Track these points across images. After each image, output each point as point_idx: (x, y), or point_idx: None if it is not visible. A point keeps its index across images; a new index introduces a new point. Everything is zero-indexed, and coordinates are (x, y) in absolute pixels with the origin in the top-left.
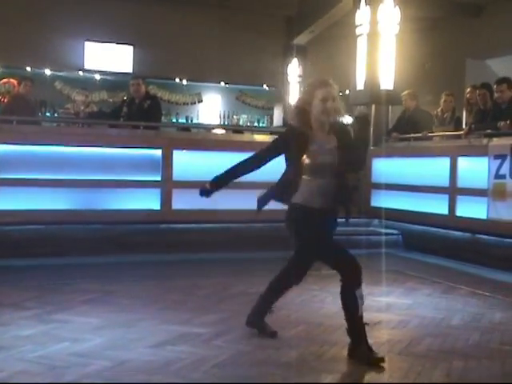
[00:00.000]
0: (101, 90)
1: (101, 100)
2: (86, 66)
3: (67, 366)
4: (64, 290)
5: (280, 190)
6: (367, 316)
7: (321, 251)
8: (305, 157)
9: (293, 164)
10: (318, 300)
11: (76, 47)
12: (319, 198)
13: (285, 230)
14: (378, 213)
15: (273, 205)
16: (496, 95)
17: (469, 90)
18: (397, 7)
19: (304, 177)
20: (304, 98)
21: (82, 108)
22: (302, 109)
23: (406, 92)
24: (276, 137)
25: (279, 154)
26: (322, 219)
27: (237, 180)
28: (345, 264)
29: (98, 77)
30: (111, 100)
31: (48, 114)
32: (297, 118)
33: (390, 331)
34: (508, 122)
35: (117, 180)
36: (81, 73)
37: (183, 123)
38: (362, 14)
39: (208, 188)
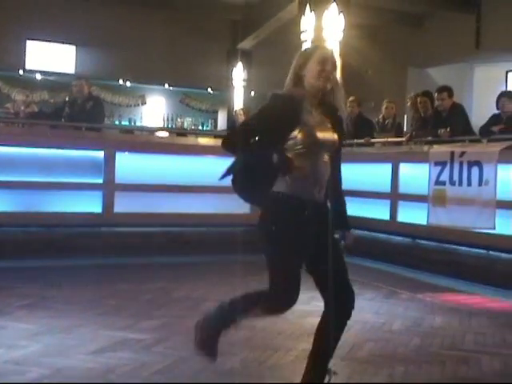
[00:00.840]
0: (42, 90)
1: (42, 100)
2: (28, 66)
3: (3, 374)
4: (1, 295)
5: (249, 174)
6: (309, 321)
7: (308, 264)
8: (297, 131)
9: (278, 139)
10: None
11: (17, 46)
12: (314, 185)
13: (232, 234)
14: None
15: (216, 208)
16: (437, 103)
17: (409, 97)
18: (341, 14)
19: (292, 156)
20: (299, 62)
21: (23, 108)
22: (296, 74)
23: (351, 98)
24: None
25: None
26: (315, 216)
27: (179, 183)
28: (337, 290)
29: (39, 76)
30: (52, 100)
31: None
32: (290, 83)
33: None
34: (448, 129)
35: (57, 182)
36: (21, 72)
37: (126, 125)
38: (307, 20)
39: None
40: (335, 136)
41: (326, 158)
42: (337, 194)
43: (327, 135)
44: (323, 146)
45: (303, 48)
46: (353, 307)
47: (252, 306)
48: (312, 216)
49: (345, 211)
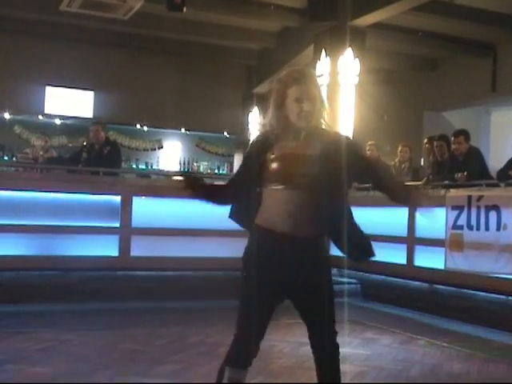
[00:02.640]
0: (60, 134)
1: (60, 145)
2: (46, 111)
3: None
4: (17, 339)
5: (236, 206)
6: None
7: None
8: (270, 161)
9: (250, 171)
10: (277, 350)
11: (36, 92)
12: (287, 218)
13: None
14: (336, 262)
15: (232, 252)
16: (453, 147)
17: (426, 141)
18: (356, 59)
19: (268, 188)
20: (275, 99)
21: (41, 153)
22: (277, 107)
23: (371, 142)
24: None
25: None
26: (285, 249)
27: (195, 228)
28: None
29: (57, 121)
30: (71, 145)
31: (6, 159)
32: (272, 118)
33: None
34: (465, 173)
35: (74, 226)
36: (41, 117)
37: (143, 169)
38: (322, 65)
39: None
40: (318, 170)
41: (310, 190)
42: (346, 226)
43: (302, 167)
44: (298, 176)
45: (280, 76)
46: (336, 354)
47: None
48: (288, 251)
49: (358, 242)
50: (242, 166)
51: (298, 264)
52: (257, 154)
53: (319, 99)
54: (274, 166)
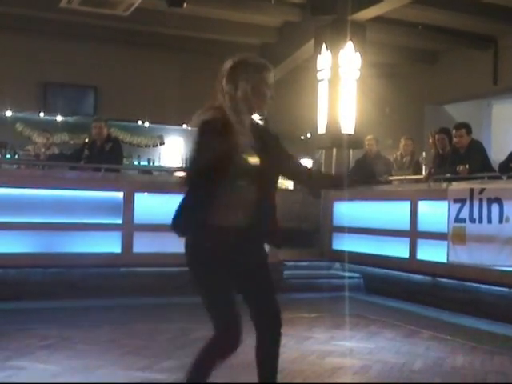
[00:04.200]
0: (62, 131)
1: (62, 142)
2: (48, 108)
3: None
4: (22, 336)
5: (189, 212)
6: (329, 361)
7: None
8: (235, 153)
9: (210, 165)
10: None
11: (38, 88)
12: (239, 212)
13: None
14: (339, 256)
15: None
16: (455, 140)
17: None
18: (357, 53)
19: (230, 183)
20: (233, 78)
21: (43, 150)
22: (228, 91)
23: (371, 136)
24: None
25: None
26: (240, 244)
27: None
28: (267, 316)
29: (59, 118)
30: (72, 142)
31: (8, 156)
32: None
33: (353, 376)
34: (467, 166)
35: (77, 223)
36: (42, 114)
37: (145, 166)
38: (323, 59)
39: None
40: (261, 160)
41: (256, 182)
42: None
43: (253, 160)
44: (250, 169)
45: (232, 60)
46: (280, 333)
47: (207, 356)
48: (237, 244)
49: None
50: (199, 153)
51: (250, 254)
52: (217, 143)
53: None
54: (240, 159)
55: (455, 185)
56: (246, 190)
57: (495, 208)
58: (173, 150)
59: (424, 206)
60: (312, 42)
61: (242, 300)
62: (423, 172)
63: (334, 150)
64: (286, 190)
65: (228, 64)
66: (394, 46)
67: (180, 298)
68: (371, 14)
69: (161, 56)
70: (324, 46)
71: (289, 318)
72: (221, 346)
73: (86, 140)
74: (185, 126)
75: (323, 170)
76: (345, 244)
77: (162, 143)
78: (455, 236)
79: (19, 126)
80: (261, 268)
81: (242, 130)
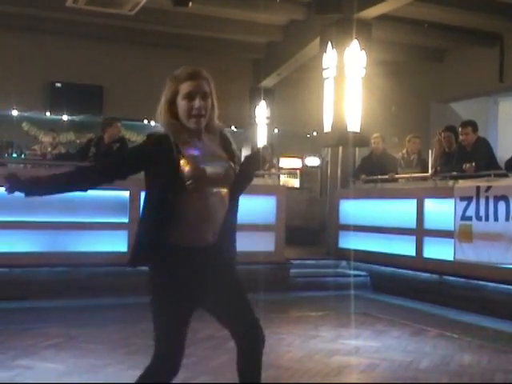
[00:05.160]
0: (68, 131)
1: (68, 141)
2: (54, 107)
3: None
4: (28, 335)
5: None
6: (336, 360)
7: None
8: (182, 165)
9: (164, 181)
10: (286, 343)
11: (44, 88)
12: (207, 228)
13: (255, 272)
14: (345, 254)
15: (239, 246)
16: (461, 138)
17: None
18: (363, 51)
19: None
20: (166, 96)
21: (49, 149)
22: (169, 106)
23: (377, 134)
24: (135, 146)
25: (136, 170)
26: (206, 265)
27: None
28: (246, 327)
29: (65, 118)
30: (78, 141)
31: (15, 156)
32: (165, 116)
33: (359, 375)
34: (473, 164)
35: (83, 222)
36: (48, 114)
37: None
38: (329, 58)
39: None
40: (226, 171)
41: (222, 193)
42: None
43: (216, 168)
44: (212, 179)
45: (174, 73)
46: (263, 342)
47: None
48: (203, 262)
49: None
50: (129, 158)
51: (214, 271)
52: (162, 153)
53: (212, 96)
54: (191, 169)
55: (461, 182)
56: (212, 203)
57: (502, 206)
58: None
59: (430, 204)
60: (317, 40)
61: (217, 319)
62: (429, 170)
63: (340, 148)
64: (293, 189)
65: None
66: (399, 43)
67: None
68: (377, 12)
69: (166, 55)
70: (330, 44)
71: (295, 317)
72: (159, 371)
73: (92, 137)
74: None
75: (329, 168)
76: (351, 242)
77: None
78: (462, 234)
79: (25, 126)
80: (230, 281)
81: (197, 139)
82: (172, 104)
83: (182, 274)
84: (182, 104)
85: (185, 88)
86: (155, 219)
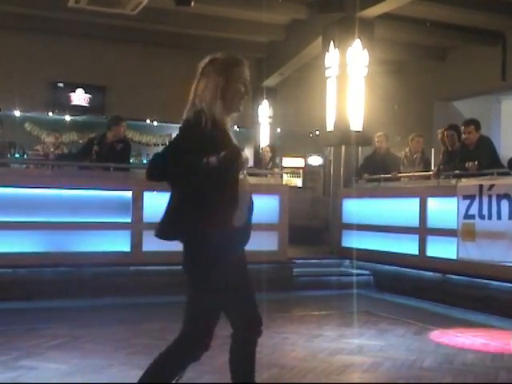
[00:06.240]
0: (71, 131)
1: (71, 141)
2: (56, 108)
3: None
4: (31, 335)
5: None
6: (339, 359)
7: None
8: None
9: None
10: (290, 343)
11: (47, 88)
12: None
13: (258, 271)
14: (348, 253)
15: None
16: (464, 136)
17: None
18: (365, 50)
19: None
20: (217, 80)
21: (52, 150)
22: (221, 90)
23: (381, 133)
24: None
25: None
26: (239, 244)
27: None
28: (245, 314)
29: (68, 118)
30: (81, 141)
31: (17, 156)
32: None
33: (362, 374)
34: (476, 162)
35: (86, 222)
36: (51, 114)
37: None
38: (331, 57)
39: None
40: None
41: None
42: None
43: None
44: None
45: (216, 58)
46: (261, 330)
47: (173, 356)
48: (238, 243)
49: None
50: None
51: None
52: (212, 139)
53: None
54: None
55: (464, 181)
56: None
57: (505, 204)
58: None
59: (433, 203)
60: (320, 39)
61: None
62: (432, 168)
63: (343, 148)
64: (296, 188)
65: (201, 64)
66: (402, 42)
67: None
68: (379, 11)
69: (169, 54)
70: (332, 43)
71: (298, 316)
72: (191, 347)
73: (93, 136)
74: None
75: (332, 167)
76: (354, 241)
77: None
78: (465, 232)
79: (28, 126)
80: (245, 269)
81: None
82: (222, 88)
83: (227, 250)
84: (236, 89)
85: (240, 72)
86: (226, 199)
